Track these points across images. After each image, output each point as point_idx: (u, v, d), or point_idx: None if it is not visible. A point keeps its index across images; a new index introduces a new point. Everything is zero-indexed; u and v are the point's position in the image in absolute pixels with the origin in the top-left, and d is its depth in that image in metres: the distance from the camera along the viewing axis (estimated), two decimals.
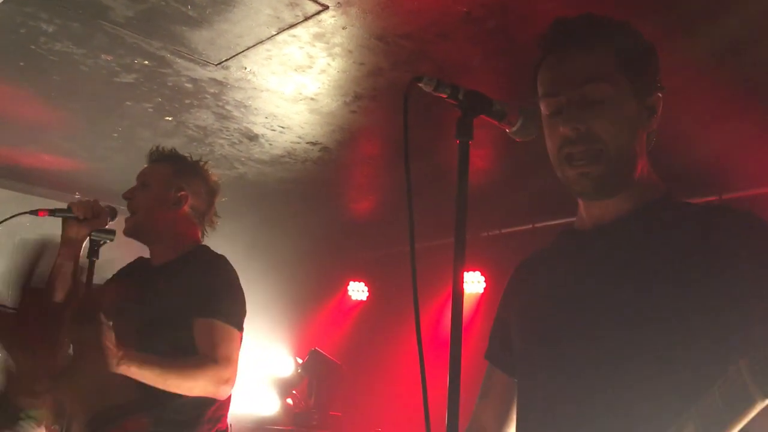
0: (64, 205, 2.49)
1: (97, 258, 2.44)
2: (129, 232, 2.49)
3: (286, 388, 5.81)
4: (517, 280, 1.57)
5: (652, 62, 1.41)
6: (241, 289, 2.42)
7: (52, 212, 2.42)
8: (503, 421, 1.53)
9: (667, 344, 1.20)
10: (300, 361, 5.72)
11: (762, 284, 1.19)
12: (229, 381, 2.23)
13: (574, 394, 1.27)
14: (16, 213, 2.40)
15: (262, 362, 6.10)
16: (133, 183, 2.55)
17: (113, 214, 2.54)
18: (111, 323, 1.93)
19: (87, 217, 2.44)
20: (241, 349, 2.35)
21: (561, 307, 1.36)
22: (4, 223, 2.38)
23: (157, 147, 2.62)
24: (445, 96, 1.20)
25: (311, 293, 6.53)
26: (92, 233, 2.43)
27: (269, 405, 5.84)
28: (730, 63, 3.03)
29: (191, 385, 2.16)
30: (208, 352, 2.22)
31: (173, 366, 2.13)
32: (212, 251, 2.51)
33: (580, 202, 1.44)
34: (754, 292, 1.18)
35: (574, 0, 2.50)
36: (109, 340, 1.87)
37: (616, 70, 1.35)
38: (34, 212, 2.41)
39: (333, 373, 5.56)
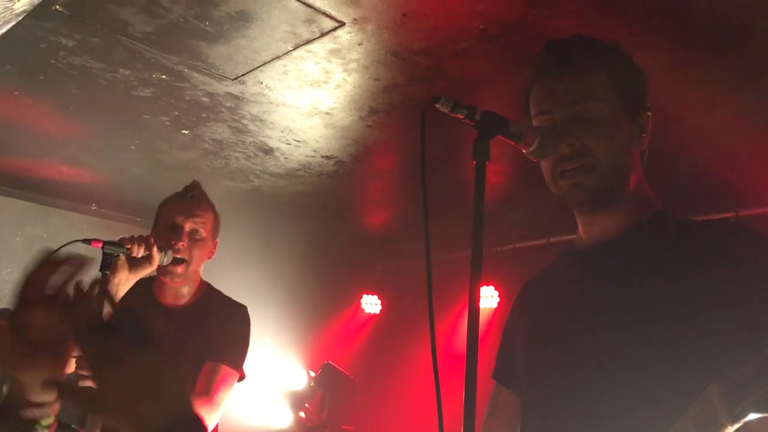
0: (115, 236, 2.33)
1: (111, 272, 2.29)
2: (178, 280, 2.47)
3: (298, 401, 5.80)
4: (522, 301, 1.61)
5: (641, 83, 1.46)
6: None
7: (106, 244, 2.27)
8: None
9: (665, 364, 1.21)
10: (313, 374, 5.71)
11: (752, 308, 1.18)
12: (211, 421, 2.24)
13: (580, 412, 1.28)
14: (69, 241, 2.11)
15: (274, 375, 6.10)
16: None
17: (168, 256, 2.43)
18: None
19: (137, 257, 2.31)
20: (244, 377, 2.47)
21: (564, 328, 1.38)
22: (22, 235, 2.30)
23: (198, 187, 2.55)
24: (462, 117, 1.21)
25: (324, 306, 6.53)
26: (105, 246, 2.28)
27: (282, 418, 5.84)
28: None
29: None
30: (204, 390, 2.25)
31: None
32: (232, 300, 2.54)
33: (579, 220, 1.47)
34: (744, 317, 1.18)
35: (588, 17, 2.55)
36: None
37: (609, 90, 1.39)
38: (87, 241, 2.25)
39: (346, 386, 5.55)
